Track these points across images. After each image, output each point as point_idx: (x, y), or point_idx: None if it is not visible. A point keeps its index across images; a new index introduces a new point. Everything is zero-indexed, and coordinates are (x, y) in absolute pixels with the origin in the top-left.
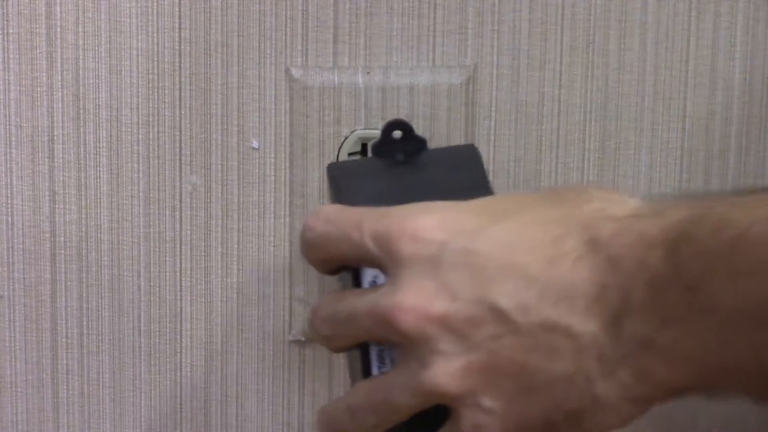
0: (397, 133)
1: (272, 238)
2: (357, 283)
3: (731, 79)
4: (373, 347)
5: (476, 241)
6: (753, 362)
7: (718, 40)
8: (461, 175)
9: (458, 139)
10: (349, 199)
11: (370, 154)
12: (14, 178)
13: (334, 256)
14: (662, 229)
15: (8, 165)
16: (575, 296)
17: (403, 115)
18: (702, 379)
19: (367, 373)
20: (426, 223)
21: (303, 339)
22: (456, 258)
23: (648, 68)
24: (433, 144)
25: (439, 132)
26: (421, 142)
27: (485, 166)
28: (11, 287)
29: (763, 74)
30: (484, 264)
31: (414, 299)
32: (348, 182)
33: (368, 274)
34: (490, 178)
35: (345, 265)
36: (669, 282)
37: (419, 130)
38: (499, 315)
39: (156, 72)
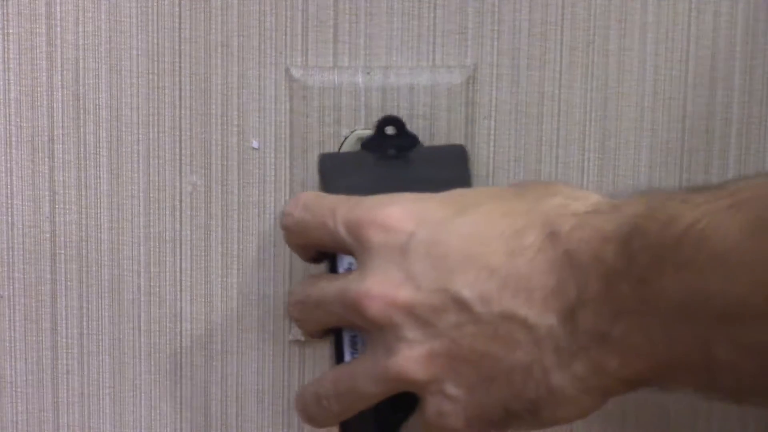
0: (390, 129)
1: (272, 238)
2: (333, 269)
3: (731, 79)
4: (346, 333)
5: (441, 232)
6: (698, 356)
7: (718, 40)
8: (446, 173)
9: (458, 139)
10: (335, 189)
11: None
12: (14, 178)
13: (310, 242)
14: (618, 223)
15: (8, 165)
16: (533, 288)
17: (403, 115)
18: (654, 372)
19: (339, 358)
20: (395, 213)
21: (303, 339)
22: (422, 248)
23: (648, 68)
24: (431, 144)
25: (439, 132)
26: (412, 139)
27: (481, 166)
28: (11, 287)
29: (763, 74)
30: (447, 254)
31: (381, 287)
32: (337, 173)
33: (344, 261)
34: (490, 177)
35: (324, 252)
36: (621, 275)
37: (419, 130)
38: (461, 305)
39: (156, 72)
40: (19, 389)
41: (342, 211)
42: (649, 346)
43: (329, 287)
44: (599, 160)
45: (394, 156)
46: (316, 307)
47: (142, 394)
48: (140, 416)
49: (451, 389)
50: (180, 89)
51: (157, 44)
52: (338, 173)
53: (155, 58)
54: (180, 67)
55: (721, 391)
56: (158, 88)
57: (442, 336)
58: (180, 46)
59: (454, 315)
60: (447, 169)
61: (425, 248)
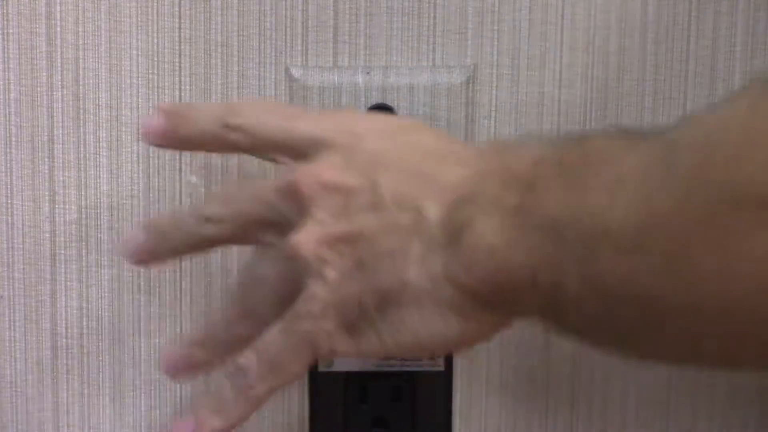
0: None
1: None
2: None
3: (731, 79)
4: None
5: (395, 141)
6: (546, 277)
7: (718, 40)
8: None
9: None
10: None
11: None
12: (14, 178)
13: (272, 132)
14: (546, 147)
15: (8, 165)
16: (437, 181)
17: (403, 115)
18: (497, 285)
19: None
20: (374, 126)
21: None
22: (370, 146)
23: (648, 68)
24: None
25: None
26: None
27: None
28: (11, 287)
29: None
30: (389, 156)
31: (320, 168)
32: None
33: None
34: None
35: None
36: (517, 182)
37: None
38: (375, 191)
39: (156, 72)
40: (19, 389)
41: (324, 115)
42: (503, 250)
43: (273, 181)
44: None
45: None
46: (253, 189)
47: (142, 394)
48: (140, 416)
49: (329, 272)
50: (180, 89)
51: (157, 44)
52: None
53: (155, 58)
54: (180, 67)
55: (563, 323)
56: (158, 88)
57: (344, 220)
58: (180, 46)
59: (363, 198)
60: None
61: (373, 146)
